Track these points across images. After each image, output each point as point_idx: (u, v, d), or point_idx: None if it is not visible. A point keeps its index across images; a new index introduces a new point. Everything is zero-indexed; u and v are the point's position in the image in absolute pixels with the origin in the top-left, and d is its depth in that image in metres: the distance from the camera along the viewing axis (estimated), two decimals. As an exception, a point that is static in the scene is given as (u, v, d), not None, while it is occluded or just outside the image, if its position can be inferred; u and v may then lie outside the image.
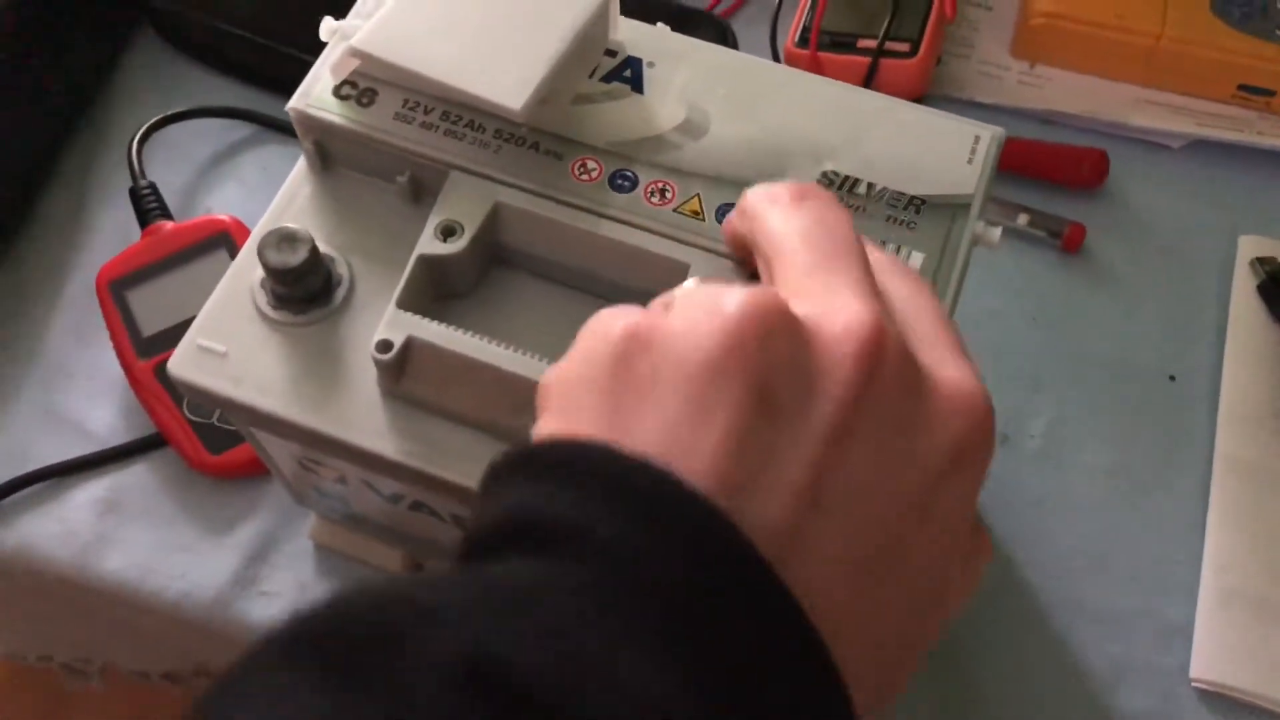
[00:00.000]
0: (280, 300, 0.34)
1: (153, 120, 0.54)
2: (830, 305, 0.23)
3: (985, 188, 0.34)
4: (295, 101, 0.36)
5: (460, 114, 0.35)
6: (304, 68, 0.56)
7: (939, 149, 0.35)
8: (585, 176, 0.34)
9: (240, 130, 0.58)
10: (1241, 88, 0.57)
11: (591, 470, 0.21)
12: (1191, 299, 0.55)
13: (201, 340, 0.34)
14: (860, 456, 0.22)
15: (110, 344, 0.50)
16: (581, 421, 0.23)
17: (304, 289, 0.34)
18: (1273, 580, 0.47)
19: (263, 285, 0.35)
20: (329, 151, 0.36)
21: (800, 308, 0.23)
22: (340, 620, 0.20)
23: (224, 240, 0.50)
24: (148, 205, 0.51)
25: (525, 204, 0.34)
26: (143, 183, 0.52)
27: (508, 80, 0.33)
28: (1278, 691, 0.45)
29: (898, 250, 0.33)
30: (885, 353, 0.23)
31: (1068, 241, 0.54)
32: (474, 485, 0.32)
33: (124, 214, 0.54)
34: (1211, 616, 0.47)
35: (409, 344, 0.32)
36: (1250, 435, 0.51)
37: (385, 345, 0.32)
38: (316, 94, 0.36)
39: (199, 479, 0.49)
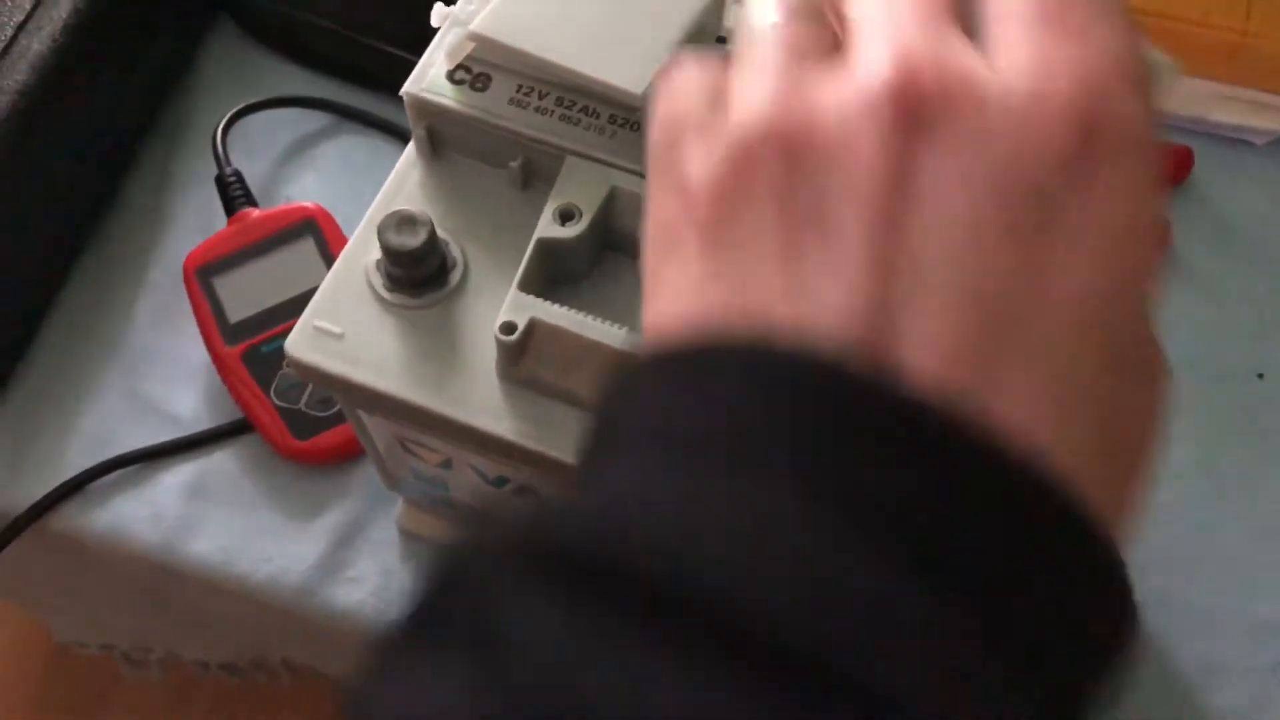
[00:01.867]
0: (396, 283, 0.34)
1: (236, 109, 0.55)
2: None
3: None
4: (410, 86, 0.36)
5: (575, 99, 0.35)
6: (383, 59, 0.57)
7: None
8: (701, 162, 0.34)
9: (318, 120, 0.58)
10: (1327, 84, 0.57)
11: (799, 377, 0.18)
12: (1278, 297, 0.54)
13: (318, 321, 0.34)
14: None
15: (195, 330, 0.51)
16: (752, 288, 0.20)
17: (421, 271, 0.34)
18: (1367, 581, 0.47)
19: (378, 267, 0.35)
20: (440, 136, 0.36)
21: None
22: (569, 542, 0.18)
23: (310, 228, 0.51)
24: (234, 193, 0.52)
25: (640, 188, 0.34)
26: (228, 170, 0.52)
27: (628, 65, 0.33)
28: (1375, 693, 0.45)
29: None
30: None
31: (1152, 238, 0.54)
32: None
33: (207, 202, 0.55)
34: (1305, 616, 0.46)
35: (532, 326, 0.32)
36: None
37: (509, 327, 0.32)
38: (430, 79, 0.36)
39: (284, 465, 0.49)
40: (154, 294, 0.53)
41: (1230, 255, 0.55)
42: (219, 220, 0.53)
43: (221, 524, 0.48)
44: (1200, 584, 0.48)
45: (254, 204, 0.52)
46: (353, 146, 0.58)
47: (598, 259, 0.35)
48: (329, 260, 0.50)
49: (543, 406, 0.33)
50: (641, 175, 0.34)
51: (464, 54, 0.35)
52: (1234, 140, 0.58)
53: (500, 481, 0.38)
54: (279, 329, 0.49)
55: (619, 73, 0.33)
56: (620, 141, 0.34)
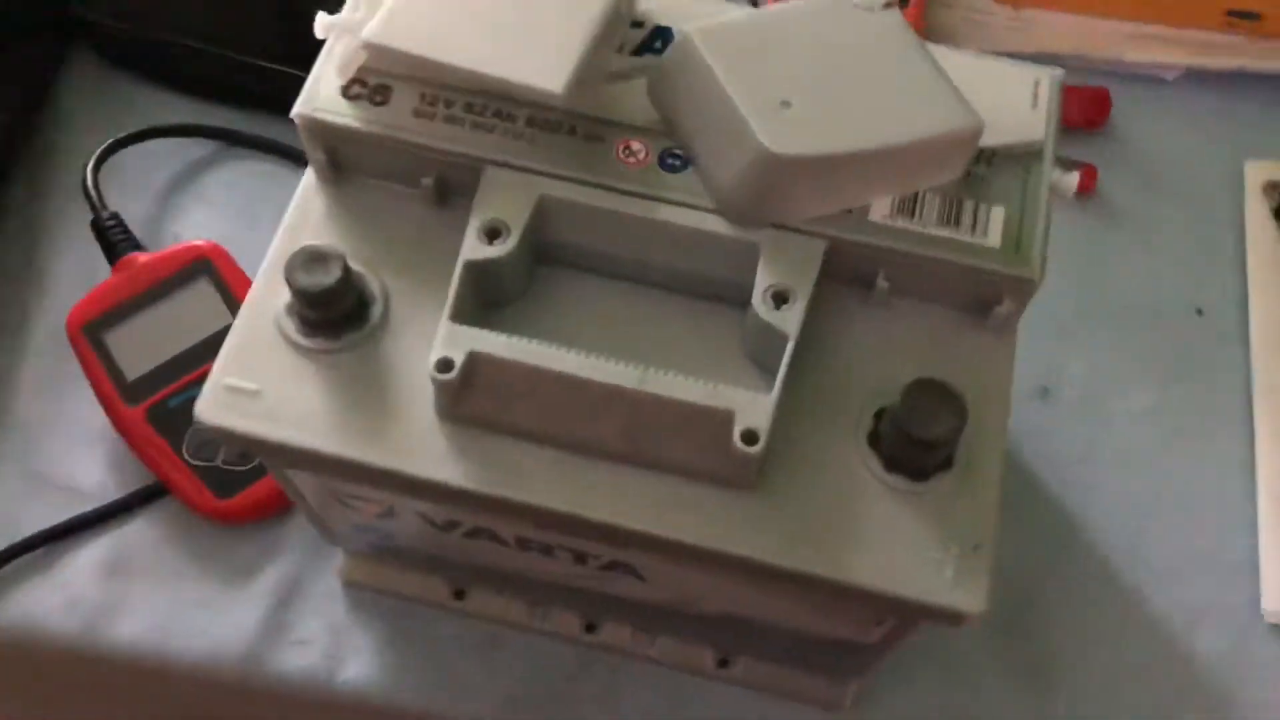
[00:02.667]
0: (312, 326, 0.31)
1: (106, 145, 0.50)
2: None
3: (1054, 133, 0.33)
4: (300, 108, 0.32)
5: (487, 104, 0.32)
6: (264, 75, 0.53)
7: (1000, 96, 0.33)
8: (632, 159, 0.32)
9: (199, 149, 0.54)
10: (1230, 13, 0.56)
11: None
12: (1208, 231, 0.54)
13: (229, 379, 0.31)
14: None
15: (89, 393, 0.46)
16: None
17: (338, 311, 0.31)
18: (1331, 506, 0.47)
19: (289, 312, 0.31)
20: (341, 159, 0.33)
21: None
22: None
23: (205, 268, 0.47)
24: (115, 237, 0.47)
25: (572, 195, 0.31)
26: (105, 214, 0.48)
27: (543, 62, 0.30)
28: (1354, 618, 0.44)
29: (975, 206, 0.31)
30: None
31: (1080, 184, 0.53)
32: (553, 505, 0.29)
33: (86, 250, 0.50)
34: (1275, 548, 0.46)
35: (471, 360, 0.29)
36: (1286, 362, 0.50)
37: (446, 364, 0.29)
38: (323, 97, 0.32)
39: (209, 527, 0.45)
40: (37, 359, 0.49)
41: (1157, 193, 0.54)
42: (102, 269, 0.49)
43: (147, 601, 0.44)
44: (1168, 528, 0.47)
45: (139, 247, 0.48)
46: (242, 174, 0.54)
47: (531, 276, 0.32)
48: (230, 301, 0.46)
49: (490, 444, 0.30)
50: (571, 179, 0.31)
51: (357, 66, 0.32)
52: (1145, 78, 0.57)
53: (450, 526, 0.35)
54: (184, 381, 0.45)
55: (535, 72, 0.30)
56: (542, 145, 0.32)
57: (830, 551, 0.29)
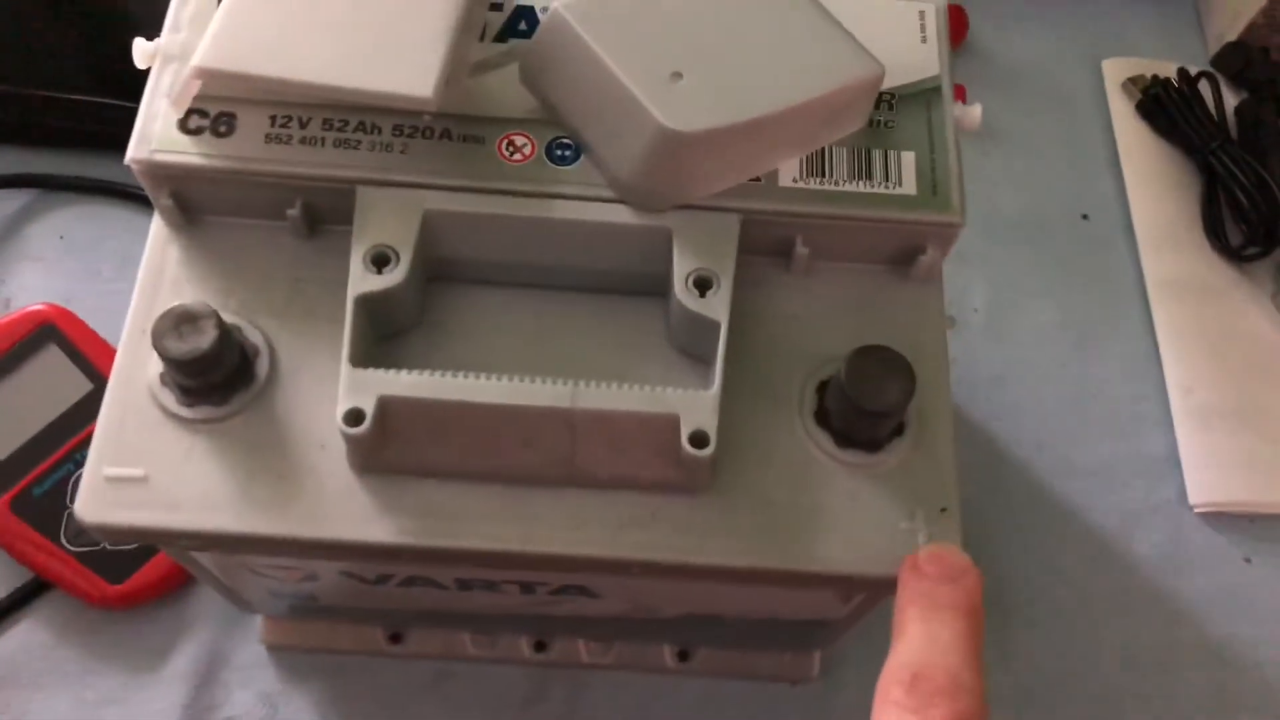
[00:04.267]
0: (192, 395, 0.28)
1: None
2: None
3: (949, 64, 0.31)
4: (135, 151, 0.28)
5: (345, 119, 0.29)
6: (72, 111, 0.47)
7: (888, 35, 0.31)
8: (517, 156, 0.29)
9: (12, 201, 0.49)
10: (1067, -87, 0.56)
11: None
12: (1079, 135, 0.54)
13: (109, 470, 0.27)
14: None
15: (-64, 491, 0.41)
16: None
17: (220, 374, 0.27)
18: (1237, 387, 0.48)
19: (164, 382, 0.28)
20: (191, 201, 0.30)
21: None
22: None
23: (50, 334, 0.42)
24: (-62, 315, 0.42)
25: (459, 205, 0.28)
26: (-77, 291, 0.43)
27: (405, 66, 0.27)
28: (1276, 494, 0.46)
29: (885, 154, 0.30)
30: None
31: (952, 106, 0.52)
32: (498, 547, 0.27)
33: (-95, 333, 0.45)
34: (1192, 440, 0.47)
35: (383, 406, 0.26)
36: (1172, 253, 0.51)
37: (355, 415, 0.26)
38: (159, 136, 0.29)
39: (104, 616, 0.41)
40: (-128, 461, 0.43)
41: (1026, 105, 0.54)
42: (-71, 352, 0.44)
43: (50, 710, 0.40)
44: (1090, 434, 0.47)
45: (-33, 322, 0.42)
46: (68, 221, 0.49)
47: (424, 298, 0.30)
48: (85, 366, 0.42)
49: (415, 491, 0.27)
50: (454, 188, 0.28)
51: (192, 95, 0.28)
52: (995, -12, 0.57)
53: (383, 579, 0.32)
54: (49, 463, 0.41)
55: (399, 79, 0.27)
56: (416, 155, 0.29)
57: (798, 543, 0.27)
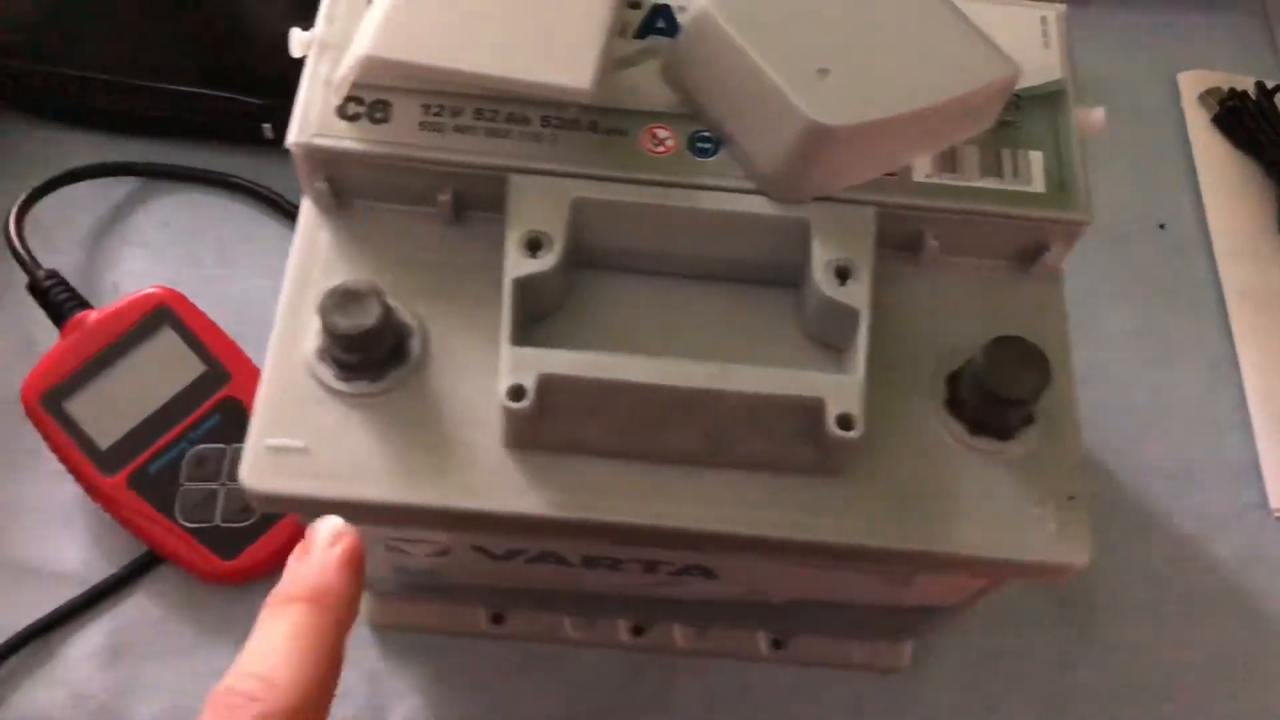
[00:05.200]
0: (351, 370, 0.29)
1: (23, 198, 0.46)
2: None
3: (1072, 69, 0.32)
4: (296, 136, 0.30)
5: (497, 109, 0.30)
6: (181, 101, 0.49)
7: (1011, 37, 0.32)
8: (660, 148, 0.30)
9: (120, 189, 0.50)
10: (1144, -72, 0.57)
11: None
12: (1155, 147, 0.55)
13: (271, 440, 0.28)
14: None
15: (52, 467, 0.43)
16: None
17: (380, 351, 0.29)
18: (1316, 397, 0.48)
19: (321, 358, 0.29)
20: (343, 185, 0.31)
21: None
22: None
23: (165, 316, 0.43)
24: (58, 297, 0.43)
25: (606, 194, 0.29)
26: (42, 273, 0.44)
27: (563, 58, 0.28)
28: (1357, 501, 0.46)
29: (1013, 153, 0.31)
30: None
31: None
32: (643, 521, 0.28)
33: (19, 316, 0.46)
34: (1273, 446, 0.48)
35: (544, 383, 0.27)
36: (1250, 262, 0.52)
37: (517, 391, 0.27)
38: (317, 122, 0.30)
39: (214, 591, 0.42)
40: (-11, 438, 0.45)
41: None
42: (45, 334, 0.45)
43: (162, 681, 0.41)
44: (1167, 439, 0.48)
45: (86, 305, 0.44)
46: (172, 210, 0.50)
47: (571, 283, 0.31)
48: (199, 349, 0.43)
49: (564, 467, 0.28)
50: (602, 178, 0.29)
51: (351, 82, 0.30)
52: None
53: (511, 555, 0.33)
54: (164, 441, 0.42)
55: (558, 70, 0.28)
56: (565, 146, 0.30)
57: (932, 526, 0.28)
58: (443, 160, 0.30)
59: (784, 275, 0.31)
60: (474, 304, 0.30)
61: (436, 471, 0.28)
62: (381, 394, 0.29)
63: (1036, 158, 0.31)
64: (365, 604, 0.42)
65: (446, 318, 0.30)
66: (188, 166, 0.50)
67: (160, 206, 0.50)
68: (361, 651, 0.42)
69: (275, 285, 0.47)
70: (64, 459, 0.42)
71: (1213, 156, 0.54)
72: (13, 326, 0.46)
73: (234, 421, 0.42)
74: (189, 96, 0.49)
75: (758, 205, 0.30)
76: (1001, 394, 0.28)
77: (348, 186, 0.31)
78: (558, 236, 0.29)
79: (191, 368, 0.43)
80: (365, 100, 0.30)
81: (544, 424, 0.28)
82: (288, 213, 0.49)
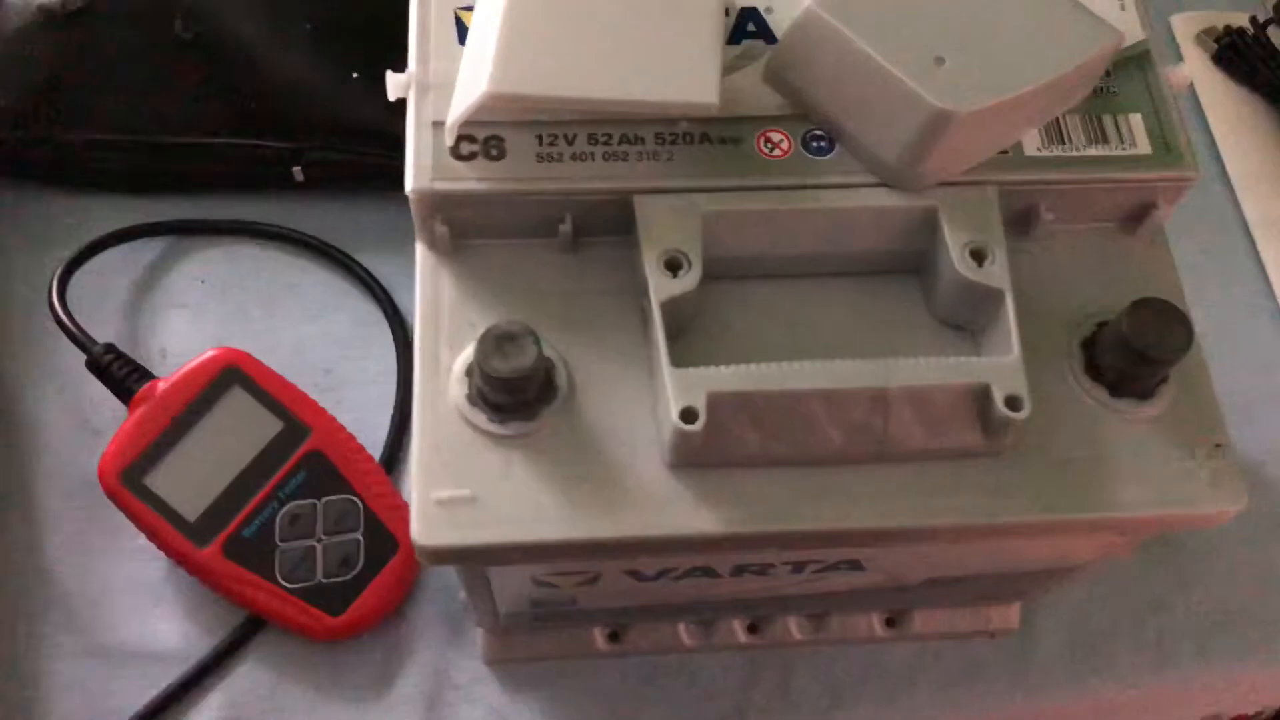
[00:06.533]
0: (506, 412, 0.28)
1: (60, 273, 0.44)
2: None
3: (1152, 30, 0.33)
4: (415, 183, 0.29)
5: (609, 132, 0.30)
6: (203, 153, 0.47)
7: (1090, 3, 0.32)
8: (776, 152, 0.30)
9: (148, 249, 0.49)
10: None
11: None
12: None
13: (438, 493, 0.28)
14: None
15: (132, 545, 0.42)
16: None
17: (534, 390, 0.28)
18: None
19: (472, 403, 0.29)
20: (459, 226, 0.30)
21: None
22: None
23: (233, 376, 0.42)
24: (121, 371, 0.42)
25: (734, 205, 0.29)
26: (98, 349, 0.43)
27: (684, 74, 0.28)
28: None
29: (1114, 118, 0.31)
30: None
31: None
32: (817, 527, 0.28)
33: (77, 394, 0.45)
34: (1320, 368, 0.49)
35: (713, 403, 0.27)
36: (1270, 193, 0.53)
37: (689, 414, 0.27)
38: (434, 165, 0.29)
39: (321, 650, 0.41)
40: (59, 527, 0.43)
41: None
42: (101, 410, 0.44)
43: (286, 746, 0.40)
44: (1218, 379, 0.49)
45: (149, 375, 0.42)
46: (206, 264, 0.49)
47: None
48: (272, 405, 0.42)
49: (730, 482, 0.28)
50: (727, 189, 0.29)
51: (464, 121, 0.29)
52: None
53: (662, 574, 0.33)
54: (253, 505, 0.41)
55: (682, 88, 0.28)
56: (682, 160, 0.30)
57: (1097, 492, 0.29)
58: (563, 190, 0.29)
59: (904, 263, 0.31)
60: (605, 330, 0.30)
61: (607, 503, 0.28)
62: (536, 432, 0.29)
63: (1137, 120, 0.31)
64: (479, 643, 0.41)
65: (582, 347, 0.30)
66: (226, 220, 0.49)
67: (193, 263, 0.49)
68: (480, 687, 0.42)
69: (328, 330, 0.47)
70: (152, 536, 0.41)
71: (1217, 94, 0.55)
72: (67, 407, 0.45)
73: (321, 475, 0.42)
74: (212, 148, 0.47)
75: (883, 197, 0.30)
76: (1150, 355, 0.28)
77: (465, 227, 0.30)
78: (694, 253, 0.29)
79: (268, 426, 0.42)
80: (478, 138, 0.30)
81: (709, 441, 0.28)
82: (330, 256, 0.48)
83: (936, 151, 0.29)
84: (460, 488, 0.28)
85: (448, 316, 0.30)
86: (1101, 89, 0.32)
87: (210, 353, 0.42)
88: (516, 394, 0.28)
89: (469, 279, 0.31)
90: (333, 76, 0.47)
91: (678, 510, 0.28)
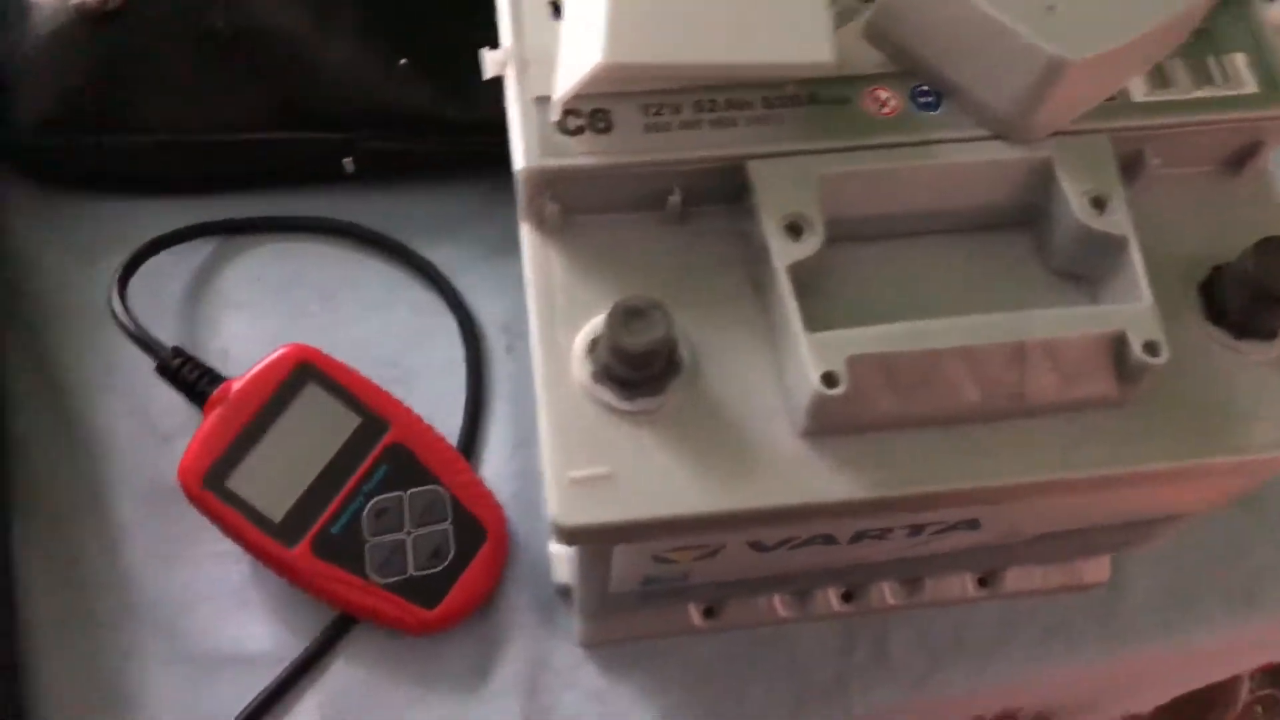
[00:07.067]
0: (631, 388, 0.28)
1: (118, 277, 0.43)
2: None
3: (1244, -33, 0.33)
4: (527, 160, 0.28)
5: (715, 98, 0.29)
6: (252, 150, 0.47)
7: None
8: (885, 110, 0.30)
9: (198, 250, 0.48)
10: None
11: None
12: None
13: (574, 473, 0.27)
14: None
15: (213, 548, 0.41)
16: None
17: (661, 364, 0.28)
18: None
19: (598, 380, 0.28)
20: (567, 202, 0.30)
21: None
22: None
23: (307, 373, 0.41)
24: (192, 375, 0.41)
25: (849, 166, 0.29)
26: (167, 352, 0.42)
27: (797, 34, 0.28)
28: None
29: (1218, 59, 0.31)
30: None
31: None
32: (960, 486, 0.28)
33: (143, 399, 0.44)
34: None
35: (853, 365, 0.26)
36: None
37: (832, 378, 0.26)
38: (542, 142, 0.29)
39: (416, 643, 0.41)
40: (137, 535, 0.42)
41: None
42: (171, 415, 0.43)
43: (390, 743, 0.40)
44: None
45: (220, 377, 0.42)
46: (258, 262, 0.48)
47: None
48: (347, 399, 0.41)
49: (865, 445, 0.28)
50: (840, 150, 0.29)
51: (572, 96, 0.29)
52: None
53: (782, 543, 0.33)
54: (339, 500, 0.40)
55: (796, 48, 0.28)
56: (792, 123, 0.29)
57: (1226, 435, 0.29)
58: (675, 160, 0.29)
59: (1013, 216, 0.31)
60: (718, 301, 0.30)
61: (744, 474, 0.28)
62: (663, 407, 0.28)
63: (1240, 59, 0.31)
64: (575, 627, 0.41)
65: (697, 319, 0.29)
66: (269, 216, 0.48)
67: (247, 262, 0.48)
68: (577, 672, 0.41)
69: (390, 322, 0.47)
70: (239, 538, 0.40)
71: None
72: (134, 413, 0.44)
73: (404, 468, 0.41)
74: (260, 144, 0.47)
75: (997, 150, 0.29)
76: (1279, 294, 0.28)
77: (572, 203, 0.30)
78: (815, 216, 0.28)
79: (347, 421, 0.41)
80: (583, 111, 0.29)
81: (847, 405, 0.27)
82: (387, 248, 0.47)
83: (1050, 101, 0.28)
84: (595, 466, 0.27)
85: (561, 296, 0.29)
86: (1202, 30, 0.31)
87: (281, 350, 0.42)
88: (645, 369, 0.27)
89: (578, 256, 0.30)
90: (379, 64, 0.46)
91: (817, 477, 0.28)
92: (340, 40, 0.46)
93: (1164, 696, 0.59)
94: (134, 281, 0.44)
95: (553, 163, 0.28)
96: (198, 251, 0.48)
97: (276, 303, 0.47)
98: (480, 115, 0.46)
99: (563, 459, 0.27)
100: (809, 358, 0.27)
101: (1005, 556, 0.41)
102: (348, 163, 0.47)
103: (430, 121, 0.46)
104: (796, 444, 0.28)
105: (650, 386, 0.28)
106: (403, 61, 0.46)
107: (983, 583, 0.42)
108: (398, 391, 0.43)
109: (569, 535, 0.27)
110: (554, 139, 0.29)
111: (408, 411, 0.42)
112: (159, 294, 0.46)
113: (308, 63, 0.46)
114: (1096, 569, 0.43)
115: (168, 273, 0.47)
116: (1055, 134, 0.30)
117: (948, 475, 0.28)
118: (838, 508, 0.28)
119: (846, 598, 0.42)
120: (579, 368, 0.28)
